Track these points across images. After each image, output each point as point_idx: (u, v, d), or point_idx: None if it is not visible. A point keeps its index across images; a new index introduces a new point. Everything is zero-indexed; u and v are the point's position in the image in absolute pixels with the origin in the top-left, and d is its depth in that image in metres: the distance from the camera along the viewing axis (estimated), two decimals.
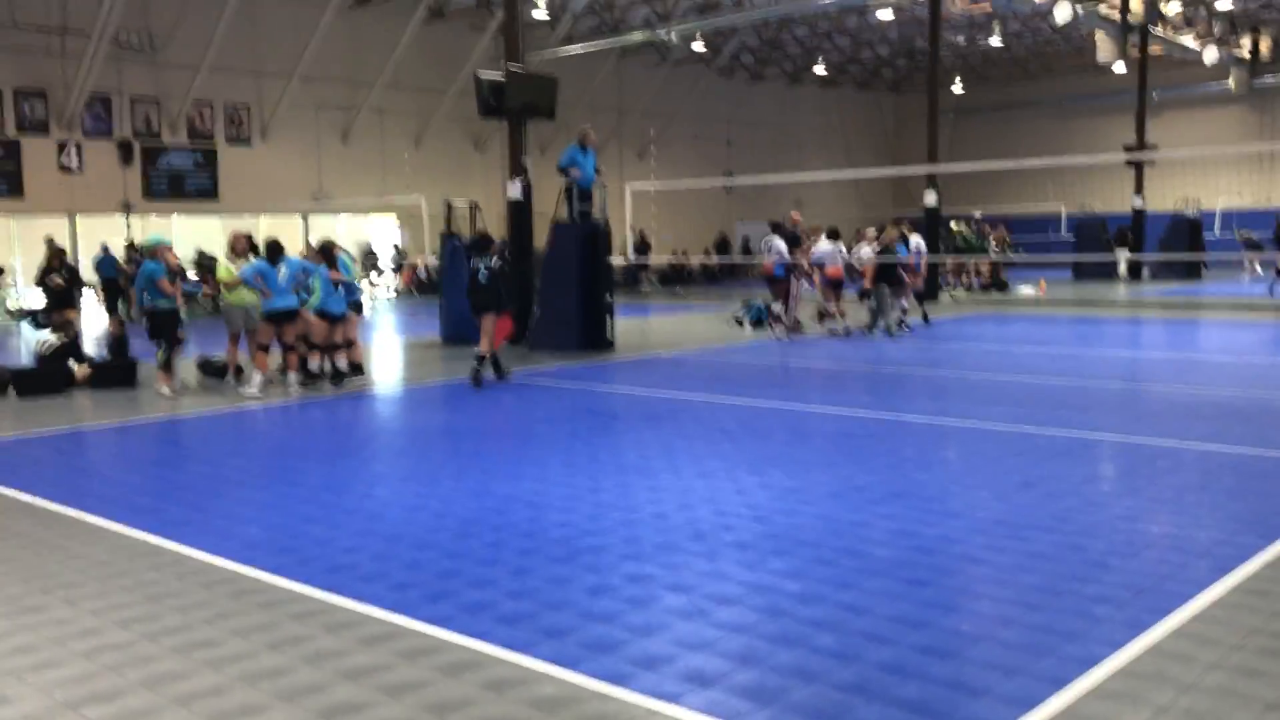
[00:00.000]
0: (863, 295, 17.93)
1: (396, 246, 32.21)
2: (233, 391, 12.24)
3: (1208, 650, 4.27)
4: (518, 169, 17.19)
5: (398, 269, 31.64)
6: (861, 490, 7.02)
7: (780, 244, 17.72)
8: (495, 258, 12.58)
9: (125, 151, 26.26)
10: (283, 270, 11.94)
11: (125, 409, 11.28)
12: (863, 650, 4.35)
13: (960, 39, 37.79)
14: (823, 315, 18.26)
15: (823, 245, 17.84)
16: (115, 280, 23.52)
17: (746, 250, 38.90)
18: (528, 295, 17.19)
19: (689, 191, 35.66)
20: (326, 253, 12.83)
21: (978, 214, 32.54)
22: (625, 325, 19.39)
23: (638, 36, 31.46)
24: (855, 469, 7.68)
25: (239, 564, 5.69)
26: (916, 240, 19.06)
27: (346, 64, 29.91)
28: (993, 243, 28.73)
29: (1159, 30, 33.19)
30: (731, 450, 8.43)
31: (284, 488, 7.48)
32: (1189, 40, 35.00)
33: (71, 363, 12.98)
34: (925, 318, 19.27)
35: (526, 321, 16.88)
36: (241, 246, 12.82)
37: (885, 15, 29.94)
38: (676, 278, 36.10)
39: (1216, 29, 36.96)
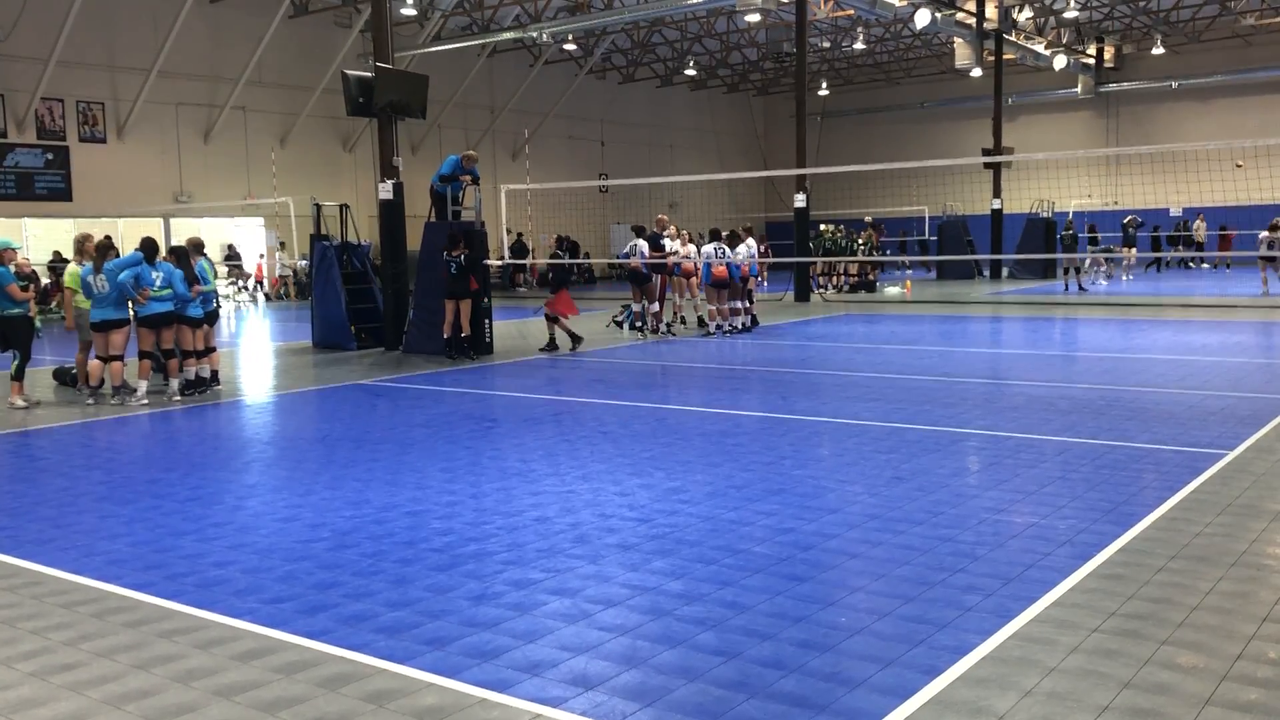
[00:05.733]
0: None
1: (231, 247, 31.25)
2: (93, 403, 11.75)
3: (1069, 634, 4.47)
4: (389, 169, 16.90)
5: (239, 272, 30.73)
6: (740, 489, 7.13)
7: (644, 246, 18.02)
8: (462, 254, 14.80)
9: None
10: (157, 273, 11.64)
11: None
12: (743, 646, 4.42)
13: (826, 43, 38.73)
14: (701, 320, 18.44)
15: (704, 247, 18.03)
16: None
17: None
18: (403, 299, 16.93)
19: (565, 192, 35.61)
20: (180, 254, 12.18)
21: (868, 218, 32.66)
22: (503, 328, 19.26)
23: (509, 36, 31.27)
24: (734, 467, 7.79)
25: (103, 582, 5.46)
26: (749, 245, 19.46)
27: (207, 60, 28.92)
28: (861, 241, 29.40)
29: (1013, 37, 34.66)
30: (613, 452, 8.46)
31: (149, 501, 7.20)
32: (1040, 47, 36.67)
33: None
34: (753, 321, 18.98)
35: (404, 325, 16.65)
36: (103, 248, 12.26)
37: (753, 19, 30.46)
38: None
39: (1065, 37, 38.82)
